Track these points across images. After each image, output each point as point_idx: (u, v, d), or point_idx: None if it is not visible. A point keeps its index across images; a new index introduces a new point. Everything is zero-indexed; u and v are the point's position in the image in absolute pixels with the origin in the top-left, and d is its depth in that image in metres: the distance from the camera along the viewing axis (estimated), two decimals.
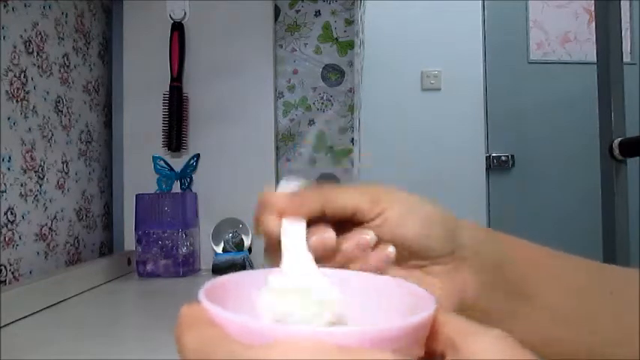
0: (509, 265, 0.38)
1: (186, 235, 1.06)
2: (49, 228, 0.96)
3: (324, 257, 0.32)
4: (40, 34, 0.94)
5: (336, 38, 1.24)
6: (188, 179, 1.15)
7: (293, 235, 0.31)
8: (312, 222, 0.33)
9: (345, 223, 0.34)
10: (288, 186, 0.35)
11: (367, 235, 0.33)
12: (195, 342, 0.22)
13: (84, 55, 1.11)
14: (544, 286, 0.38)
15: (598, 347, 0.38)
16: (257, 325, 0.22)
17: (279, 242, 0.31)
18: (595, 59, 1.34)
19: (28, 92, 0.90)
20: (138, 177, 1.15)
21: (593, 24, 1.39)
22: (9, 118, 0.84)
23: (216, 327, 0.22)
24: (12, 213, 0.84)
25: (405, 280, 0.29)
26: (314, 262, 0.29)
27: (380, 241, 0.34)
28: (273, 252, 0.33)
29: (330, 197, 0.33)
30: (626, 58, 2.27)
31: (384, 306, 0.28)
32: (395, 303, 0.27)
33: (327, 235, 0.32)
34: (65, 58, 1.03)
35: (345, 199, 0.34)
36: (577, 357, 0.38)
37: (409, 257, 0.35)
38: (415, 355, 0.23)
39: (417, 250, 0.35)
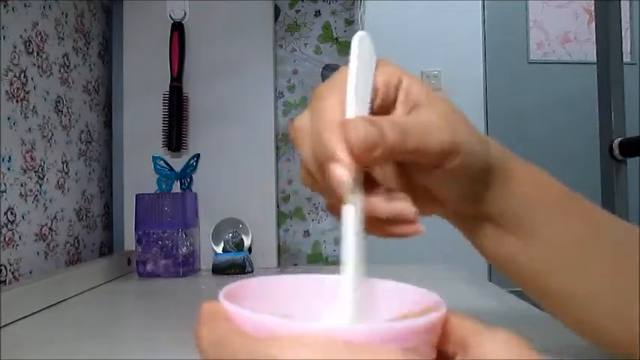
0: (511, 197, 0.37)
1: (186, 235, 1.06)
2: (49, 228, 0.96)
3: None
4: (40, 34, 0.94)
5: (336, 38, 1.24)
6: (188, 179, 1.15)
7: (352, 212, 0.28)
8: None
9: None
10: (361, 64, 0.30)
11: (412, 211, 0.30)
12: (211, 335, 0.23)
13: (84, 55, 1.11)
14: (543, 220, 0.38)
15: (584, 295, 0.37)
16: (270, 320, 0.22)
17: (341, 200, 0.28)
18: (595, 59, 1.34)
19: (28, 92, 0.90)
20: (138, 177, 1.15)
21: (593, 24, 1.39)
22: (9, 118, 0.84)
23: (232, 322, 0.23)
24: (12, 213, 0.85)
25: (416, 286, 0.29)
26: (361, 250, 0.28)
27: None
28: (336, 207, 0.29)
29: (416, 142, 0.30)
30: (626, 58, 2.27)
31: (396, 309, 0.28)
32: (407, 306, 0.28)
33: (405, 208, 0.30)
34: (65, 58, 1.03)
35: (429, 151, 0.30)
36: (552, 292, 0.38)
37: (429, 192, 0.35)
38: (426, 357, 0.23)
39: (441, 196, 0.35)
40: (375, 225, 0.31)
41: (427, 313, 0.23)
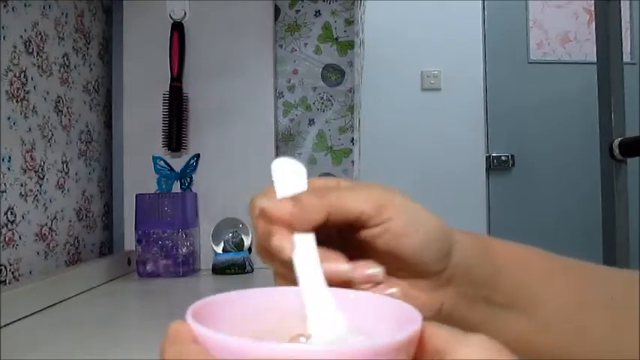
0: (503, 277, 0.37)
1: (186, 235, 1.06)
2: (49, 228, 0.96)
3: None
4: (40, 34, 0.94)
5: (336, 38, 1.23)
6: (188, 179, 1.15)
7: (304, 251, 0.30)
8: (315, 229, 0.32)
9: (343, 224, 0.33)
10: (285, 178, 0.33)
11: (378, 271, 0.33)
12: (175, 356, 0.23)
13: (84, 55, 1.11)
14: (541, 296, 0.37)
15: (590, 354, 0.37)
16: (236, 342, 0.22)
17: (289, 260, 0.30)
18: (595, 59, 1.34)
19: (28, 92, 0.90)
20: (138, 177, 1.15)
21: (593, 24, 1.39)
22: (9, 118, 0.84)
23: (196, 344, 0.23)
24: (12, 213, 0.84)
25: (393, 299, 0.29)
26: (324, 280, 0.29)
27: (373, 253, 0.34)
28: (284, 271, 0.32)
29: (336, 204, 0.32)
30: (626, 58, 2.26)
31: (374, 323, 0.28)
32: (384, 320, 0.27)
33: (342, 267, 0.31)
34: (65, 58, 1.03)
35: (350, 205, 0.32)
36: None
37: (399, 269, 0.34)
38: None
39: (410, 264, 0.34)
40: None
41: (403, 329, 0.23)
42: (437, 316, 0.36)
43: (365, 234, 0.33)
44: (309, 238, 0.31)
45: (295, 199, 0.31)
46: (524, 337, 0.38)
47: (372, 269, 0.33)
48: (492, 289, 0.37)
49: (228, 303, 0.28)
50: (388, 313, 0.27)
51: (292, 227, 0.31)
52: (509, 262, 0.38)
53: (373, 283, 0.33)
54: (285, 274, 0.32)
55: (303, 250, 0.30)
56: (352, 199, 0.32)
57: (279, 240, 0.30)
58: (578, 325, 0.38)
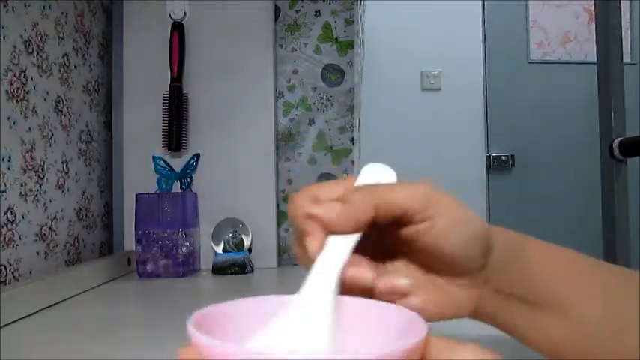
0: (537, 275, 0.37)
1: (186, 235, 1.06)
2: (49, 228, 0.96)
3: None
4: (40, 34, 0.94)
5: (336, 38, 1.23)
6: (188, 179, 1.15)
7: (332, 255, 0.30)
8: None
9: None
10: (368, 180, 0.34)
11: (404, 282, 0.33)
12: None
13: (84, 55, 1.11)
14: (574, 297, 0.37)
15: (622, 357, 0.37)
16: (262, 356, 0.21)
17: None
18: (595, 59, 1.34)
19: (28, 92, 0.90)
20: (138, 177, 1.15)
21: (593, 24, 1.39)
22: (9, 118, 0.84)
23: None
24: (12, 213, 0.84)
25: (396, 305, 0.29)
26: (334, 290, 0.29)
27: (412, 250, 0.34)
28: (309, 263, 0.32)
29: (386, 199, 0.32)
30: (626, 58, 2.27)
31: (379, 330, 0.28)
32: (389, 327, 0.27)
33: (365, 276, 0.31)
34: (65, 58, 1.03)
35: (398, 200, 0.33)
36: None
37: (438, 266, 0.35)
38: None
39: (450, 263, 0.35)
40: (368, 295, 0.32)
41: (409, 337, 0.23)
42: (473, 314, 0.37)
43: (409, 230, 0.33)
44: (349, 241, 0.30)
45: (344, 199, 0.32)
46: (560, 340, 0.37)
47: (398, 280, 0.33)
48: (527, 288, 0.37)
49: (226, 314, 0.27)
50: (391, 322, 0.27)
51: (334, 230, 0.31)
52: (543, 261, 0.38)
53: (398, 295, 0.33)
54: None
55: (331, 254, 0.30)
56: (401, 195, 0.33)
57: (311, 241, 0.31)
58: (612, 330, 0.37)
